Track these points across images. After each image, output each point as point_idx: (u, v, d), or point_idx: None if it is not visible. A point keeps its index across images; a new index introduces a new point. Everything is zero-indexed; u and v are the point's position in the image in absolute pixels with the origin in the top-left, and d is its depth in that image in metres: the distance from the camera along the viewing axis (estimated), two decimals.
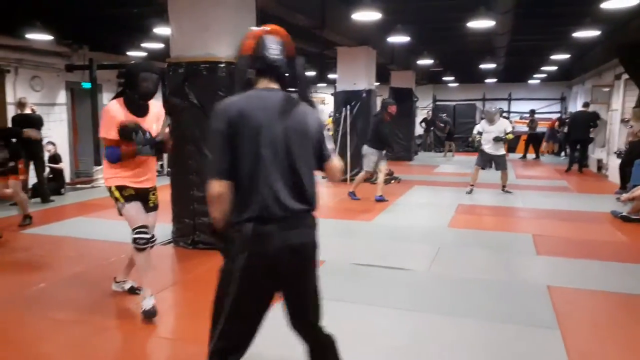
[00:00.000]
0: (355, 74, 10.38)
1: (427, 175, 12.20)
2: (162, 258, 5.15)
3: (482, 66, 14.49)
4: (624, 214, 6.69)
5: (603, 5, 6.26)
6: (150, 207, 3.63)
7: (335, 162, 2.14)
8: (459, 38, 11.48)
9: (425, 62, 13.11)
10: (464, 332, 3.32)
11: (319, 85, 21.91)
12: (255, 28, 2.11)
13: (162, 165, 12.29)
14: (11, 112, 8.91)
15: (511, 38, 10.58)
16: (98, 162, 10.24)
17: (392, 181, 10.59)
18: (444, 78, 19.36)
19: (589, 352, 3.07)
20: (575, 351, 3.02)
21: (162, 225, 5.81)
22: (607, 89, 13.16)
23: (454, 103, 21.27)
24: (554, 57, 12.12)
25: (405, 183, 10.44)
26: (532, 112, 17.63)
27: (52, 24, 8.09)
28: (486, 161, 8.87)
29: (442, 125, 18.24)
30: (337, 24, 8.56)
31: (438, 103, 21.66)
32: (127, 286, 3.94)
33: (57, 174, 8.91)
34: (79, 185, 9.96)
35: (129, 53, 10.12)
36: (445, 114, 19.20)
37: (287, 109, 2.01)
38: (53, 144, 8.97)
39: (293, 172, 1.96)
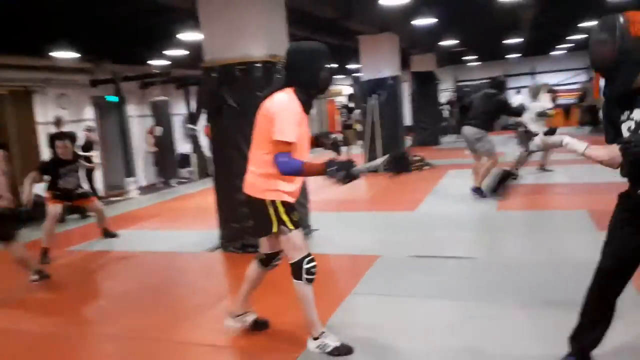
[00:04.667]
0: (380, 61, 10.19)
1: (459, 159, 11.88)
2: (214, 265, 5.12)
3: (506, 42, 14.13)
4: None
5: None
6: None
7: None
8: (484, 14, 11.15)
9: (448, 43, 12.82)
10: (539, 321, 3.17)
11: (336, 77, 21.74)
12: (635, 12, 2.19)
13: (190, 171, 12.33)
14: (42, 131, 9.02)
15: (538, 8, 10.21)
16: (129, 174, 10.31)
17: (425, 167, 10.40)
18: (464, 58, 18.98)
19: (620, 346, 2.87)
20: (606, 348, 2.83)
21: (210, 232, 5.81)
22: None
23: (476, 82, 20.87)
24: (582, 24, 11.68)
25: (439, 168, 10.23)
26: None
27: (74, 41, 8.11)
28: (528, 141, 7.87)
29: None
30: (362, 12, 8.40)
31: (459, 84, 21.28)
32: (249, 318, 3.26)
33: (90, 175, 8.73)
34: (112, 199, 10.02)
35: (150, 62, 10.11)
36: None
37: None
38: (89, 129, 9.03)
39: None
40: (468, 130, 6.76)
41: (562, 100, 17.37)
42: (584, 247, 4.61)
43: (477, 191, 6.72)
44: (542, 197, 6.95)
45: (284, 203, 2.82)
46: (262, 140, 2.77)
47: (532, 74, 20.42)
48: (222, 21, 4.99)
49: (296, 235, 2.85)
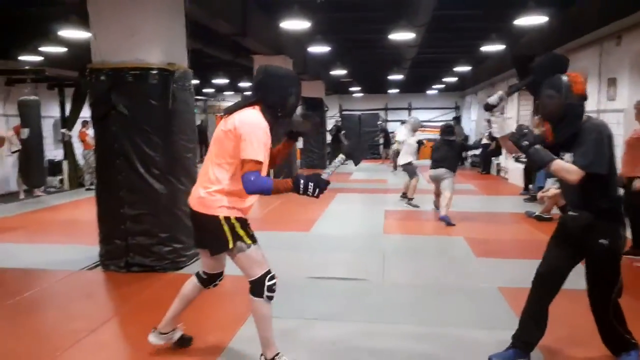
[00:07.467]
0: None
1: (346, 183, 12.37)
2: (93, 285, 4.61)
3: (389, 77, 15.11)
4: (537, 213, 7.26)
5: (516, 22, 6.79)
6: None
7: None
8: (373, 49, 11.85)
9: (337, 72, 13.34)
10: (436, 342, 3.33)
11: (226, 93, 21.44)
12: (576, 74, 2.73)
13: (61, 180, 11.18)
14: None
15: (419, 50, 11.11)
16: None
17: None
18: (350, 88, 19.93)
19: (557, 346, 3.21)
20: (544, 347, 3.15)
21: (86, 247, 5.25)
22: None
23: (359, 112, 22.04)
24: (456, 69, 12.94)
25: (329, 191, 10.42)
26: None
27: None
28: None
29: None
30: (258, 31, 8.40)
31: (344, 112, 22.26)
32: (176, 335, 3.14)
33: None
34: None
35: (21, 58, 9.02)
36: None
37: None
38: None
39: None
40: (439, 171, 7.40)
41: (432, 135, 19.01)
42: (469, 273, 4.92)
43: (445, 218, 7.09)
44: (422, 222, 7.39)
45: (238, 219, 2.74)
46: (221, 156, 2.67)
47: (409, 109, 22.07)
48: (115, 21, 4.62)
49: (255, 250, 2.77)
